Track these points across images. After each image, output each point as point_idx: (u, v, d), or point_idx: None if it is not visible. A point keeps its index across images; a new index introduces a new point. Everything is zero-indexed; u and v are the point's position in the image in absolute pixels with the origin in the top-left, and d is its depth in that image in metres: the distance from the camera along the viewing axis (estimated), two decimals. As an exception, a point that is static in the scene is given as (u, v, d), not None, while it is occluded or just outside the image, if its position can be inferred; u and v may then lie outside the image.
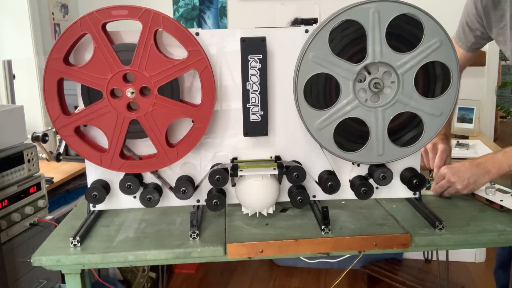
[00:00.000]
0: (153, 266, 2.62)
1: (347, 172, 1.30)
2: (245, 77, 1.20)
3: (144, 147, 1.25)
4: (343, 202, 1.40)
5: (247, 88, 1.21)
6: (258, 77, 1.20)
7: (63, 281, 1.78)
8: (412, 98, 1.14)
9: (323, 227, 1.20)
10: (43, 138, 1.65)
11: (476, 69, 2.81)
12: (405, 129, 1.24)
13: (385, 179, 1.23)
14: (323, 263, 2.82)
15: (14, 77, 2.39)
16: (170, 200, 1.29)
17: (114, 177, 1.26)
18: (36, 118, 2.59)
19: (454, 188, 1.37)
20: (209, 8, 3.12)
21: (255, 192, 1.23)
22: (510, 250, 1.84)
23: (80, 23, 1.09)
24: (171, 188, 1.26)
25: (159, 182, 1.27)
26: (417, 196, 1.35)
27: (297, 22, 2.98)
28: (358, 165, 1.30)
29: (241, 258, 1.18)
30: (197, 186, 1.28)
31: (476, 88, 2.91)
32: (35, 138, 1.64)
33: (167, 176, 1.28)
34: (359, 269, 2.74)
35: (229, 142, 1.28)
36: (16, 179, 1.80)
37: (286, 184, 1.28)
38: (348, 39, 1.15)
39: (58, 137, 1.26)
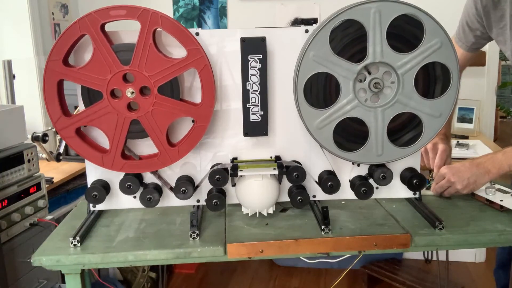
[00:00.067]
0: (153, 266, 2.62)
1: (347, 172, 1.30)
2: (245, 77, 1.20)
3: (144, 147, 1.25)
4: (343, 202, 1.40)
5: (247, 88, 1.21)
6: (258, 77, 1.20)
7: (63, 281, 1.78)
8: (412, 99, 1.14)
9: (323, 227, 1.20)
10: (43, 138, 1.65)
11: (476, 69, 2.81)
12: (404, 129, 1.24)
13: (385, 179, 1.23)
14: (323, 263, 2.82)
15: (14, 77, 2.39)
16: (170, 200, 1.29)
17: (114, 177, 1.26)
18: (36, 118, 2.59)
19: (454, 188, 1.37)
20: (209, 8, 3.12)
21: (255, 192, 1.23)
22: (510, 250, 1.84)
23: (78, 24, 1.09)
24: (171, 188, 1.26)
25: (159, 182, 1.27)
26: (417, 196, 1.35)
27: (297, 22, 2.98)
28: (358, 165, 1.30)
29: (241, 258, 1.18)
30: (197, 186, 1.28)
31: (476, 88, 2.91)
32: (35, 138, 1.64)
33: (167, 176, 1.28)
34: (359, 269, 2.74)
35: (229, 142, 1.28)
36: (16, 179, 1.80)
37: (286, 184, 1.28)
38: (348, 39, 1.15)
39: (58, 137, 1.26)
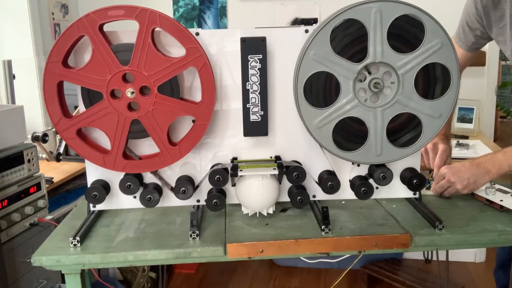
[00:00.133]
0: (153, 266, 2.62)
1: (347, 172, 1.30)
2: (245, 77, 1.20)
3: (145, 147, 1.25)
4: (343, 202, 1.40)
5: (247, 88, 1.21)
6: (258, 77, 1.20)
7: (63, 281, 1.78)
8: (411, 99, 1.14)
9: (323, 227, 1.20)
10: (43, 138, 1.65)
11: (476, 69, 2.81)
12: (403, 130, 1.24)
13: (385, 179, 1.23)
14: (323, 263, 2.82)
15: (14, 77, 2.39)
16: (170, 200, 1.29)
17: (114, 177, 1.26)
18: (36, 118, 2.59)
19: (454, 188, 1.37)
20: (209, 8, 3.12)
21: (255, 192, 1.23)
22: (510, 250, 1.84)
23: (77, 25, 1.09)
24: (171, 188, 1.26)
25: (159, 182, 1.27)
26: (417, 196, 1.35)
27: (297, 22, 2.98)
28: (358, 165, 1.30)
29: (241, 258, 1.18)
30: (197, 186, 1.28)
31: (476, 88, 2.91)
32: (35, 138, 1.64)
33: (167, 176, 1.28)
34: (359, 269, 2.74)
35: (229, 142, 1.28)
36: (16, 179, 1.80)
37: (286, 184, 1.28)
38: (349, 38, 1.15)
39: (58, 137, 1.26)
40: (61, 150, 1.36)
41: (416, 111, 1.15)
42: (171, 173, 1.28)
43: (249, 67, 1.19)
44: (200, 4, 3.12)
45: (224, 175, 1.19)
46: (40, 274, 1.87)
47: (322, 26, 1.09)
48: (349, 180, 1.30)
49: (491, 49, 2.82)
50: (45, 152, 1.67)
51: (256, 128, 1.23)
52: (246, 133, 1.24)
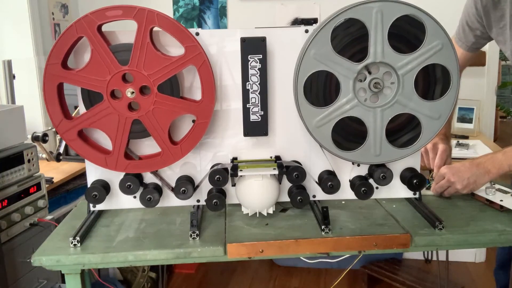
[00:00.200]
0: (153, 266, 2.62)
1: (347, 172, 1.30)
2: (245, 77, 1.20)
3: (145, 147, 1.25)
4: (343, 202, 1.40)
5: (247, 88, 1.21)
6: (258, 77, 1.20)
7: (63, 281, 1.78)
8: (411, 100, 1.14)
9: (323, 227, 1.20)
10: (43, 138, 1.65)
11: (476, 69, 2.81)
12: (403, 130, 1.24)
13: (385, 179, 1.23)
14: (323, 263, 2.82)
15: (14, 77, 2.39)
16: (170, 200, 1.29)
17: (114, 177, 1.26)
18: (36, 118, 2.59)
19: (454, 188, 1.37)
20: (209, 8, 3.12)
21: (255, 192, 1.23)
22: (510, 250, 1.84)
23: (75, 27, 1.08)
24: (171, 188, 1.26)
25: (159, 182, 1.27)
26: (417, 196, 1.35)
27: (297, 22, 2.98)
28: (358, 165, 1.30)
29: (241, 258, 1.18)
30: (197, 186, 1.28)
31: (476, 88, 2.91)
32: (35, 138, 1.63)
33: (167, 176, 1.28)
34: (359, 269, 2.74)
35: (229, 142, 1.28)
36: (16, 179, 1.80)
37: (286, 184, 1.28)
38: (350, 38, 1.15)
39: (58, 137, 1.26)
40: (61, 150, 1.36)
41: (416, 112, 1.15)
42: (171, 173, 1.28)
43: (249, 67, 1.19)
44: (200, 4, 3.12)
45: (224, 175, 1.19)
46: (40, 274, 1.87)
47: (323, 26, 1.09)
48: (349, 180, 1.30)
49: (491, 49, 2.82)
50: (45, 152, 1.67)
51: (256, 128, 1.23)
52: (246, 133, 1.24)
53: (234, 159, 1.29)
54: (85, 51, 1.17)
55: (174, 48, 1.18)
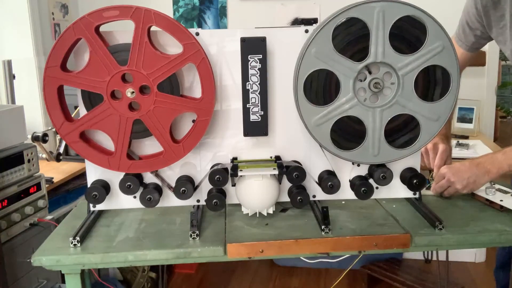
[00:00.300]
0: (153, 266, 2.62)
1: (347, 172, 1.30)
2: (245, 77, 1.20)
3: (145, 147, 1.25)
4: (343, 202, 1.40)
5: (247, 88, 1.21)
6: (258, 77, 1.20)
7: (63, 281, 1.78)
8: (411, 101, 1.14)
9: (323, 227, 1.20)
10: (43, 138, 1.65)
11: (476, 69, 2.81)
12: (401, 131, 1.24)
13: (385, 179, 1.23)
14: (323, 263, 2.82)
15: (14, 77, 2.38)
16: (170, 200, 1.29)
17: (114, 177, 1.26)
18: (36, 118, 2.59)
19: (454, 188, 1.37)
20: (209, 8, 3.12)
21: (255, 192, 1.23)
22: (510, 250, 1.84)
23: (73, 28, 1.08)
24: (171, 188, 1.26)
25: (159, 182, 1.27)
26: (417, 196, 1.35)
27: (297, 22, 2.98)
28: (358, 165, 1.30)
29: (241, 258, 1.18)
30: (197, 186, 1.28)
31: (476, 88, 2.91)
32: (35, 138, 1.63)
33: (167, 176, 1.28)
34: (359, 269, 2.74)
35: (229, 142, 1.28)
36: (16, 179, 1.80)
37: (286, 184, 1.28)
38: (351, 37, 1.15)
39: (58, 137, 1.26)
40: (61, 150, 1.36)
41: (415, 113, 1.15)
42: (171, 173, 1.28)
43: (249, 67, 1.19)
44: (200, 4, 3.12)
45: (224, 175, 1.19)
46: (40, 274, 1.87)
47: (325, 24, 1.09)
48: (349, 180, 1.30)
49: (491, 49, 2.82)
50: (45, 152, 1.67)
51: (256, 128, 1.23)
52: (246, 133, 1.24)
53: (234, 159, 1.29)
54: (85, 51, 1.17)
55: (174, 48, 1.18)
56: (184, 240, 1.20)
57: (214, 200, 1.22)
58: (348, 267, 1.84)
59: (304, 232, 1.21)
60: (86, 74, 1.11)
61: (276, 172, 1.21)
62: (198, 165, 1.29)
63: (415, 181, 1.25)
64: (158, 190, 1.24)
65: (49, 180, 2.05)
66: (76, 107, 1.24)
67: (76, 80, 1.12)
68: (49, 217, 1.93)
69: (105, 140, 1.22)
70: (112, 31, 1.17)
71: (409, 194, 1.34)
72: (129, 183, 1.22)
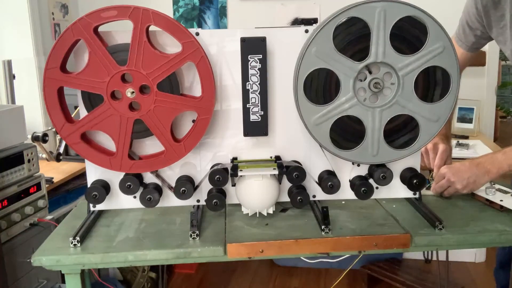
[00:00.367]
0: (153, 266, 2.62)
1: (347, 172, 1.30)
2: (245, 77, 1.20)
3: (145, 147, 1.25)
4: (343, 202, 1.40)
5: (247, 88, 1.21)
6: (258, 77, 1.20)
7: (63, 281, 1.78)
8: (410, 101, 1.14)
9: (323, 227, 1.20)
10: (43, 138, 1.65)
11: (476, 69, 2.81)
12: (401, 131, 1.24)
13: (385, 179, 1.23)
14: (323, 263, 2.82)
15: (14, 77, 2.38)
16: (170, 200, 1.29)
17: (114, 177, 1.26)
18: (36, 118, 2.59)
19: (454, 188, 1.37)
20: (209, 8, 3.12)
21: (255, 192, 1.23)
22: (510, 250, 1.84)
23: (72, 29, 1.08)
24: (171, 188, 1.26)
25: (159, 182, 1.27)
26: (417, 196, 1.35)
27: (297, 22, 2.98)
28: (358, 165, 1.30)
29: (241, 258, 1.18)
30: (197, 186, 1.28)
31: (476, 88, 2.91)
32: (35, 138, 1.63)
33: (167, 176, 1.28)
34: (359, 269, 2.74)
35: (229, 142, 1.28)
36: (16, 179, 1.80)
37: (286, 184, 1.28)
38: (351, 37, 1.15)
39: (58, 137, 1.26)
40: (61, 150, 1.36)
41: (414, 113, 1.15)
42: (171, 173, 1.28)
43: (249, 67, 1.19)
44: (200, 4, 3.12)
45: (224, 175, 1.19)
46: (40, 274, 1.87)
47: (326, 23, 1.09)
48: (349, 180, 1.30)
49: (491, 49, 2.82)
50: (45, 152, 1.67)
51: (256, 128, 1.23)
52: (246, 133, 1.24)
53: (234, 159, 1.29)
54: (85, 52, 1.17)
55: (173, 47, 1.18)
56: (184, 240, 1.20)
57: (214, 200, 1.22)
58: (348, 267, 1.84)
59: (304, 232, 1.21)
60: (85, 75, 1.11)
61: (276, 172, 1.21)
62: (198, 165, 1.29)
63: (415, 181, 1.25)
64: (158, 190, 1.24)
65: (49, 180, 2.05)
66: (76, 107, 1.24)
67: (76, 81, 1.12)
68: (49, 217, 1.93)
69: (106, 141, 1.22)
70: (111, 31, 1.17)
71: (409, 194, 1.34)
72: (129, 183, 1.22)
